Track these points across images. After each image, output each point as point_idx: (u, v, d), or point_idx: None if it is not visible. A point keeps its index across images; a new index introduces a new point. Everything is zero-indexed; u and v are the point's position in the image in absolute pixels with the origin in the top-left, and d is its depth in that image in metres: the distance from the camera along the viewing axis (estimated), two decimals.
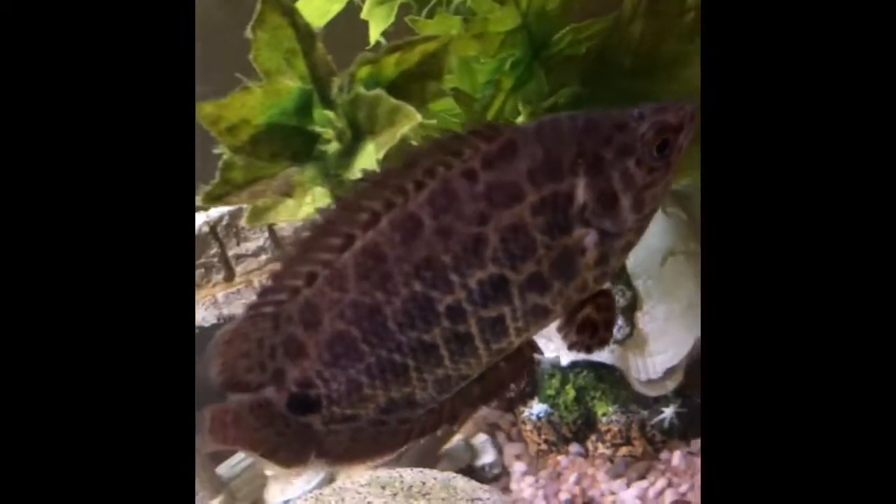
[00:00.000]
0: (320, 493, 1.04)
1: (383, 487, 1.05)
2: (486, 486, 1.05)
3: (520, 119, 0.84)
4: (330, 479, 1.25)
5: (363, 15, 0.97)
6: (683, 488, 1.12)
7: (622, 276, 1.20)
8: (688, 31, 0.82)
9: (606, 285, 0.69)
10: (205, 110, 0.74)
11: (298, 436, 0.68)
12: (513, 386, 0.72)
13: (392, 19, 0.94)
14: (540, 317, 0.67)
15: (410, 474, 1.10)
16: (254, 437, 0.68)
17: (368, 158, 0.73)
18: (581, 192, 0.64)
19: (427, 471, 1.16)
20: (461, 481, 1.04)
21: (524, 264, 0.65)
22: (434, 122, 0.83)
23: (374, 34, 0.95)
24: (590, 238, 0.66)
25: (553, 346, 1.23)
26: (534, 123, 0.66)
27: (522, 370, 0.71)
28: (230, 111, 0.72)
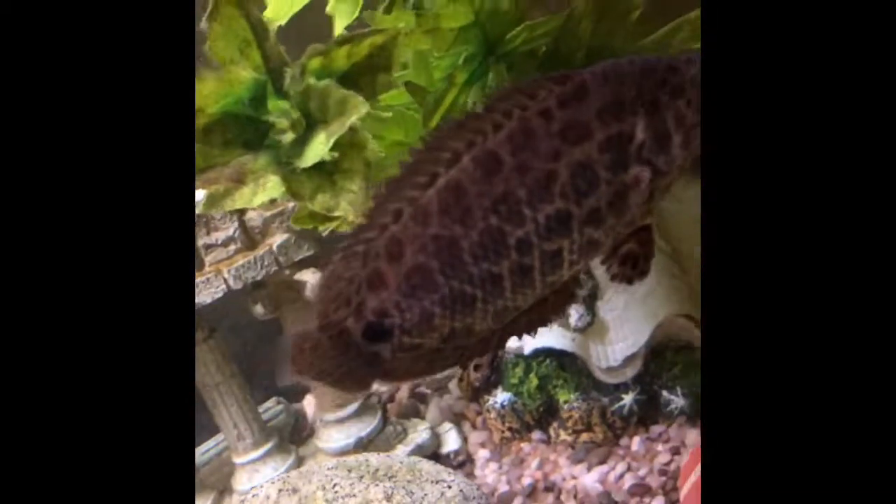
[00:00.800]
0: (287, 477, 1.06)
1: (350, 470, 1.08)
2: (450, 469, 1.07)
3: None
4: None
5: (328, 10, 1.00)
6: (643, 472, 1.14)
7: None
8: (634, 30, 0.85)
9: (648, 220, 0.74)
10: None
11: (366, 363, 0.71)
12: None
13: (356, 14, 0.96)
14: (592, 250, 0.71)
15: (377, 458, 1.12)
16: (325, 364, 0.71)
17: (319, 147, 0.76)
18: (640, 131, 0.68)
19: (393, 454, 1.18)
20: (426, 464, 1.07)
21: (587, 199, 0.68)
22: (389, 115, 0.86)
23: (339, 28, 0.97)
24: (644, 174, 0.69)
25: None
26: (598, 67, 0.70)
27: (565, 304, 0.74)
28: None
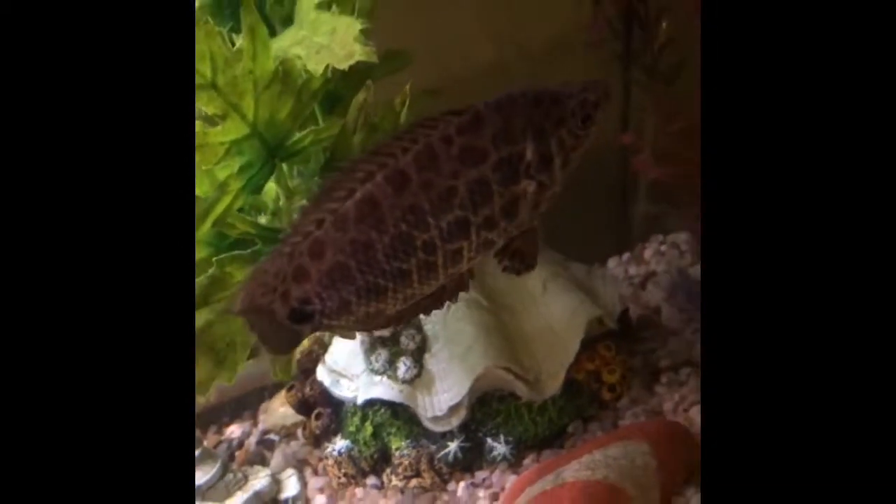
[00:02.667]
0: None
1: None
2: None
3: (262, 219, 0.95)
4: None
5: None
6: None
7: (416, 321, 1.29)
8: None
9: (534, 223, 0.89)
10: None
11: (290, 337, 0.87)
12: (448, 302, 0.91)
13: None
14: (488, 247, 0.87)
15: None
16: (257, 327, 0.85)
17: None
18: (529, 153, 0.83)
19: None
20: None
21: (483, 209, 0.83)
22: None
23: None
24: (531, 188, 0.84)
25: (351, 386, 1.32)
26: (494, 99, 0.84)
27: (458, 290, 0.89)
28: None
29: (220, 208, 0.91)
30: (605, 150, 1.67)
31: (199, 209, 0.89)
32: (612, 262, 1.75)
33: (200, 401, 1.03)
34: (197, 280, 0.89)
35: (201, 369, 0.94)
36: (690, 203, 1.45)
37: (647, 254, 1.73)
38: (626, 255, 1.75)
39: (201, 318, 0.91)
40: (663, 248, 1.72)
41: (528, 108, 0.84)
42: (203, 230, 0.90)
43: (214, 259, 0.92)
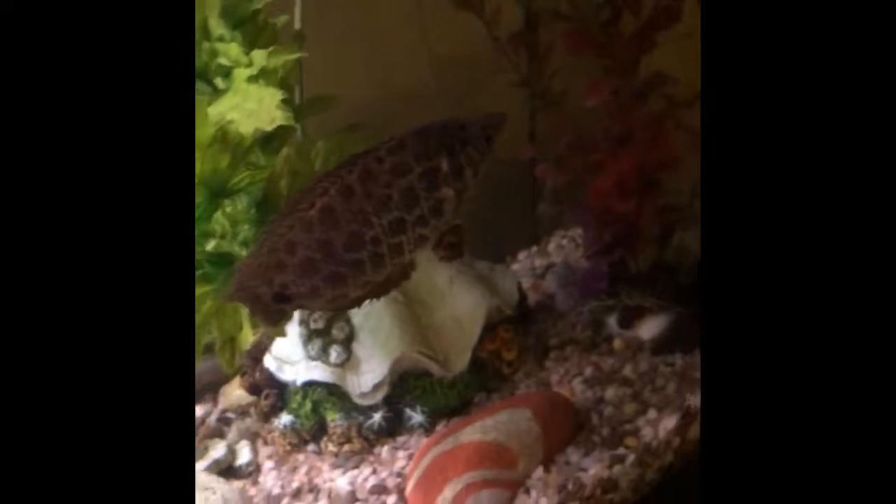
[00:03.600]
0: None
1: None
2: (221, 479, 1.38)
3: (209, 245, 1.20)
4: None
5: None
6: (384, 475, 1.46)
7: (344, 316, 1.55)
8: None
9: (458, 221, 1.12)
10: None
11: (275, 313, 1.07)
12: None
13: None
14: (423, 241, 1.09)
15: None
16: (250, 306, 1.06)
17: None
18: (444, 166, 1.06)
19: None
20: (202, 476, 1.37)
21: (414, 210, 1.05)
22: None
23: None
24: (450, 193, 1.07)
25: (293, 371, 1.58)
26: (414, 128, 1.07)
27: (402, 278, 1.12)
28: None
29: None
30: (515, 162, 1.93)
31: None
32: (522, 255, 2.02)
33: None
34: None
35: None
36: (583, 203, 1.73)
37: (551, 247, 2.00)
38: (534, 249, 2.02)
39: None
40: (564, 241, 2.00)
41: (441, 132, 1.09)
42: None
43: None
